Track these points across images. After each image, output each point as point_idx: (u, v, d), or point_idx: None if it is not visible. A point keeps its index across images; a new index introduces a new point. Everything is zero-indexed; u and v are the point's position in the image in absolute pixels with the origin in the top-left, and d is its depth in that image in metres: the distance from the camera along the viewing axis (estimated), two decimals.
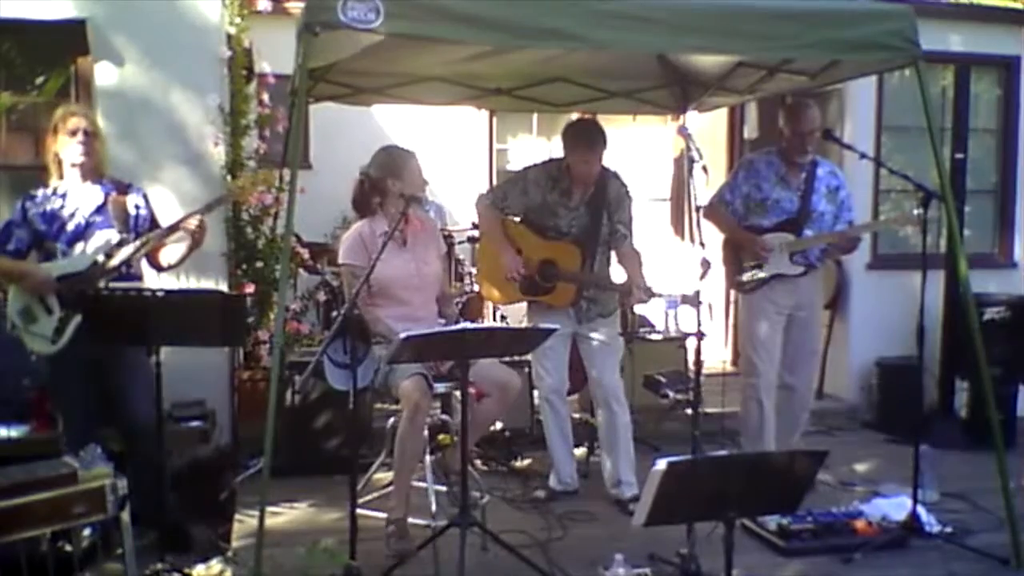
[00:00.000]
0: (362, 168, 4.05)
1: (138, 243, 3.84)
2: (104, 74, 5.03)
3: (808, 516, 4.03)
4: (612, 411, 4.49)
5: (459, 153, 7.71)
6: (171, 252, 3.98)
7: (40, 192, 3.91)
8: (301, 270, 6.16)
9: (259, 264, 5.48)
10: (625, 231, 4.50)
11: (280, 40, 4.91)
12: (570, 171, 4.47)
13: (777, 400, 4.76)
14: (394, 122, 7.18)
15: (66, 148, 3.84)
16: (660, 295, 4.21)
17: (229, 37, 5.41)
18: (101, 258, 3.80)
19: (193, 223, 3.83)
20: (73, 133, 3.82)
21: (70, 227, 3.83)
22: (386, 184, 3.96)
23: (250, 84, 5.57)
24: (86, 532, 3.14)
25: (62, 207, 3.85)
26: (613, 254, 4.56)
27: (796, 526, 3.97)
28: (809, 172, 4.67)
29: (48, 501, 2.62)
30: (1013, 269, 6.86)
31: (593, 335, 4.52)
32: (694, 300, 3.75)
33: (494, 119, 7.95)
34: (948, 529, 4.12)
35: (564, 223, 4.49)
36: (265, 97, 5.71)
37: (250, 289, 5.29)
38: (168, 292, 3.62)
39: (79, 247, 3.82)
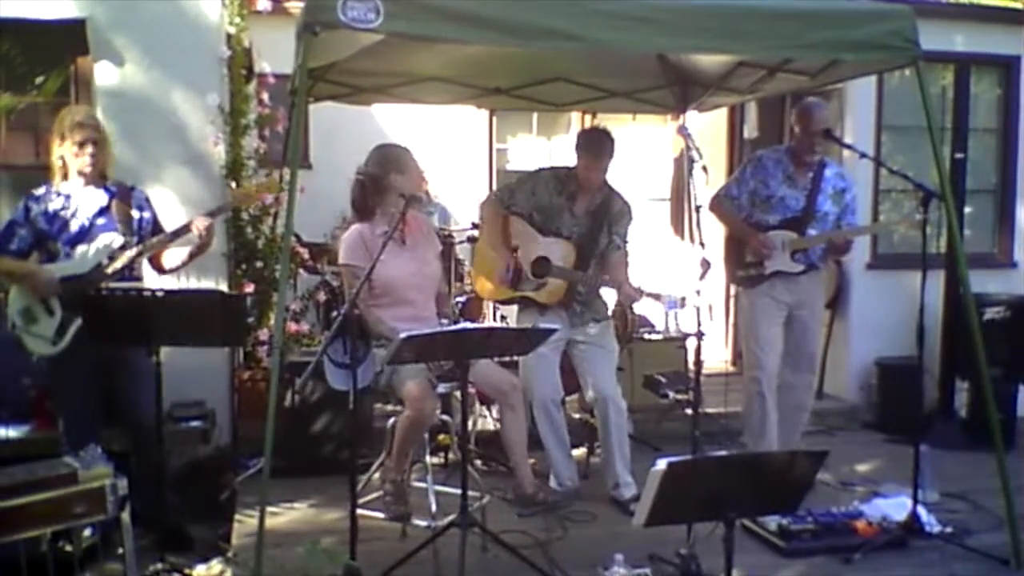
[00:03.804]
0: (359, 168, 3.98)
1: (141, 247, 3.85)
2: (104, 74, 5.03)
3: (808, 516, 4.02)
4: (608, 415, 4.48)
5: (459, 153, 7.70)
6: (174, 256, 4.00)
7: (43, 191, 3.90)
8: (301, 270, 6.16)
9: (259, 264, 5.48)
10: (620, 243, 4.56)
11: (280, 40, 4.90)
12: (577, 177, 4.51)
13: (777, 400, 4.75)
14: (394, 122, 7.17)
15: (73, 158, 3.83)
16: (654, 295, 4.21)
17: (229, 37, 5.41)
18: (105, 261, 3.80)
19: (201, 225, 3.83)
20: (82, 145, 3.81)
21: (73, 228, 3.82)
22: (388, 181, 3.90)
23: (250, 84, 5.57)
24: (86, 532, 3.14)
25: (64, 207, 3.84)
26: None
27: (796, 526, 3.96)
28: (816, 172, 4.69)
29: (48, 501, 2.62)
30: (1013, 269, 6.85)
31: (586, 340, 4.52)
32: (697, 302, 3.76)
33: (494, 119, 7.94)
34: (948, 529, 4.11)
35: (565, 228, 4.52)
36: (265, 97, 5.71)
37: (250, 289, 5.29)
38: (168, 292, 3.61)
39: (81, 249, 3.81)
